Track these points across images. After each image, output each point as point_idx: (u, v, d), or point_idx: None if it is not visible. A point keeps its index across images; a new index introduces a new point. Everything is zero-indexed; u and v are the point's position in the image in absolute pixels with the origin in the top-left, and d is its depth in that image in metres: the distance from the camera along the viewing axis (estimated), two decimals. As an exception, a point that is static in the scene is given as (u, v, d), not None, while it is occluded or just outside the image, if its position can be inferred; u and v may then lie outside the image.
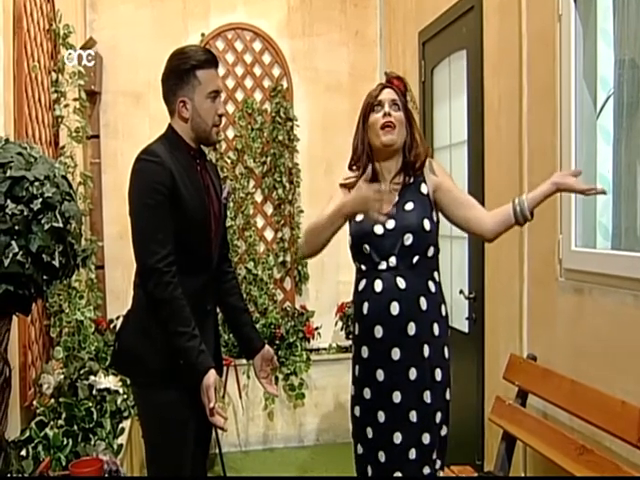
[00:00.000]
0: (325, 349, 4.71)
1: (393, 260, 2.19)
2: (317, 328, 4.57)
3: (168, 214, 2.04)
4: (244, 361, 4.38)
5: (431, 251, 2.24)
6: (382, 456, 2.17)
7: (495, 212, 2.25)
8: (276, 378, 4.47)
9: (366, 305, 2.21)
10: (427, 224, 2.22)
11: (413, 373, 2.15)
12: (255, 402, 4.50)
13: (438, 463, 2.20)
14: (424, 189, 2.27)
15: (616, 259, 2.26)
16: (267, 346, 2.36)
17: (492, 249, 3.12)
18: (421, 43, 4.02)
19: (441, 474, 2.23)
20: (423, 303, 2.18)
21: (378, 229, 2.21)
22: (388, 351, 2.17)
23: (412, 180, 2.27)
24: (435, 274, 2.26)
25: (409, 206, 2.23)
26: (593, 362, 2.34)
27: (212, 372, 2.03)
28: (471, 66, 3.35)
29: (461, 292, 3.34)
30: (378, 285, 2.19)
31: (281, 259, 4.71)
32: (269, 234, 4.76)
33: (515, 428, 2.60)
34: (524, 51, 2.80)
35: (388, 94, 2.26)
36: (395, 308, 2.16)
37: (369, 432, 2.21)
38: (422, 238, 2.20)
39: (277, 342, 4.45)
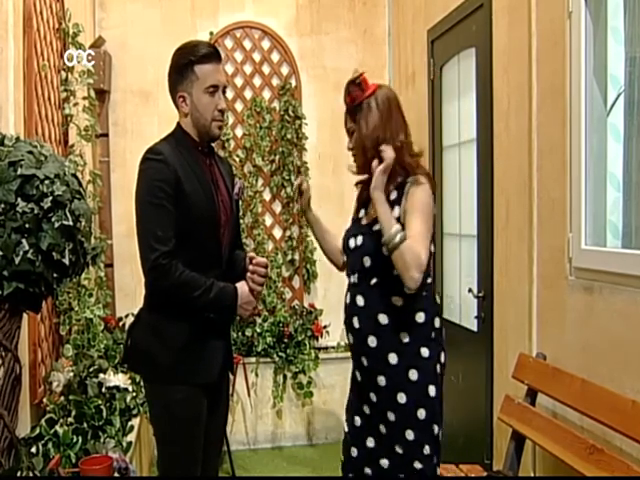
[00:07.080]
0: (334, 347, 4.70)
1: (356, 277, 2.22)
2: (325, 326, 4.56)
3: (171, 212, 2.04)
4: (252, 359, 4.42)
5: (395, 272, 2.06)
6: (371, 441, 2.20)
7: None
8: (284, 377, 4.49)
9: (343, 313, 2.29)
10: (385, 250, 2.07)
11: (382, 380, 2.15)
12: (264, 400, 4.50)
13: (434, 459, 2.16)
14: (396, 212, 2.12)
15: (626, 257, 2.25)
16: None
17: (501, 247, 3.11)
18: (430, 41, 4.01)
19: (439, 470, 2.21)
20: (384, 318, 2.14)
21: (351, 243, 2.24)
22: (359, 357, 2.23)
23: (395, 196, 2.14)
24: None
25: (377, 227, 2.12)
26: (603, 361, 2.33)
27: (238, 290, 2.14)
28: (480, 64, 3.34)
29: (470, 291, 3.32)
30: (347, 298, 2.26)
31: (289, 257, 4.71)
32: (277, 232, 4.77)
33: (524, 427, 2.59)
34: (534, 49, 2.79)
35: (347, 118, 2.24)
36: (356, 322, 2.20)
37: (354, 422, 2.26)
38: (381, 261, 2.10)
39: (285, 340, 4.45)
